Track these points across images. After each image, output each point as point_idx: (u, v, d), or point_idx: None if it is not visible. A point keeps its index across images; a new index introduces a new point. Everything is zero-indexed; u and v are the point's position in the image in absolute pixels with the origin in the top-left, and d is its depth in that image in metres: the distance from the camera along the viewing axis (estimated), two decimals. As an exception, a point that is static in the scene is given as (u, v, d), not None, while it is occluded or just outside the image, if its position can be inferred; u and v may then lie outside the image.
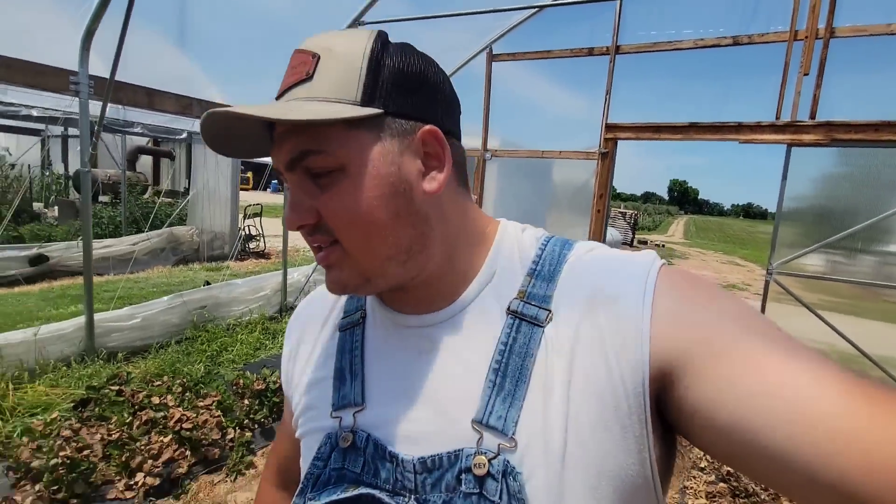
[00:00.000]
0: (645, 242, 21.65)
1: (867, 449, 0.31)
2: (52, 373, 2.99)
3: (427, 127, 0.44)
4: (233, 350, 3.89)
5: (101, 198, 8.41)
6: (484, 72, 5.25)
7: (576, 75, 4.87)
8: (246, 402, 2.84)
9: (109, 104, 3.14)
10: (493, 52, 5.21)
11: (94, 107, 3.16)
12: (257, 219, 8.97)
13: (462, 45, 5.16)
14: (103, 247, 6.42)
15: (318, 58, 0.43)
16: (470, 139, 5.32)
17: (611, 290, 0.43)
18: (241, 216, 8.50)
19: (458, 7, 4.11)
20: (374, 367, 0.51)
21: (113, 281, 5.86)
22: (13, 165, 10.31)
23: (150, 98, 3.50)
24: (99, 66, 3.10)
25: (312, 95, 0.42)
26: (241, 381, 2.97)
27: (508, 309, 0.46)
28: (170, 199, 9.47)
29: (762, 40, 3.97)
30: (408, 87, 0.44)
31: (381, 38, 0.45)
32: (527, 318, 0.45)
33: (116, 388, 2.72)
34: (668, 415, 0.40)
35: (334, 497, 0.45)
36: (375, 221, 0.43)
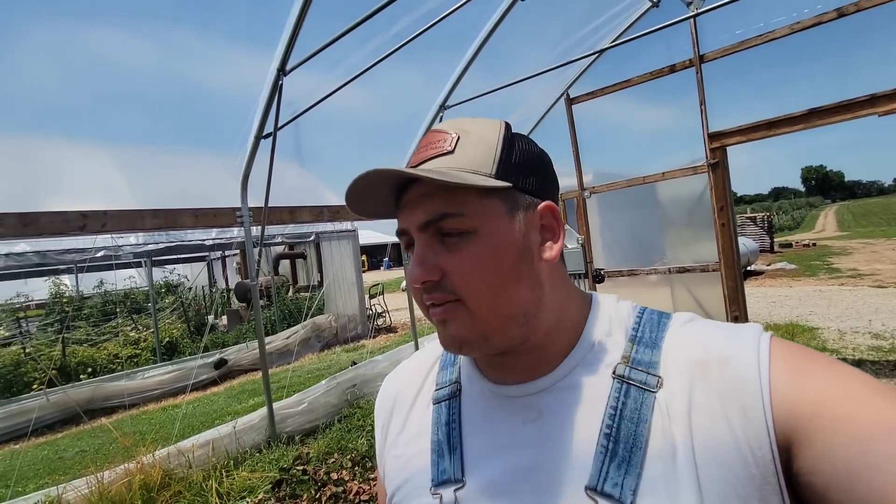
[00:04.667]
0: (789, 245, 18.82)
1: None
2: (250, 459, 3.50)
3: (547, 203, 0.49)
4: (385, 422, 4.17)
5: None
6: (565, 115, 5.38)
7: (662, 93, 4.76)
8: (409, 470, 3.02)
9: (252, 226, 3.86)
10: (571, 96, 5.35)
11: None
12: (381, 297, 9.73)
13: (541, 97, 5.40)
14: (266, 344, 7.46)
15: (459, 137, 0.48)
16: (563, 179, 5.38)
17: (722, 353, 0.42)
18: (367, 297, 9.32)
19: (525, 67, 4.38)
20: (474, 440, 0.50)
21: (276, 373, 6.73)
22: (191, 288, 12.68)
23: (291, 214, 4.21)
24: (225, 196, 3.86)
25: (454, 166, 0.46)
26: (401, 450, 3.17)
27: (614, 373, 0.46)
28: (307, 294, 10.75)
29: (872, 4, 3.57)
30: (532, 168, 0.49)
31: (508, 126, 0.50)
32: (635, 383, 0.44)
33: (301, 467, 3.09)
34: (798, 489, 0.38)
35: None
36: (501, 283, 0.45)
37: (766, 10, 4.00)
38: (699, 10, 2.85)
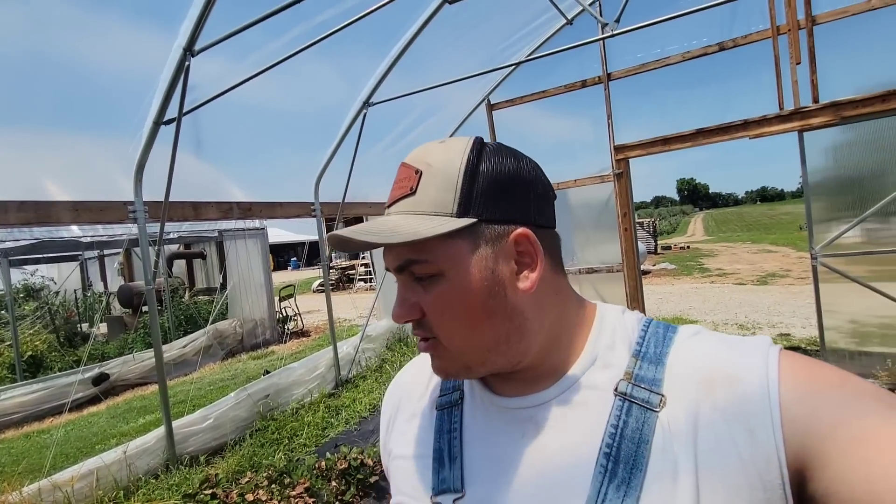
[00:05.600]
0: (669, 248, 21.33)
1: None
2: (145, 487, 3.08)
3: (519, 230, 0.46)
4: (302, 434, 3.94)
5: (145, 308, 8.80)
6: (486, 120, 5.53)
7: (574, 105, 5.10)
8: (333, 483, 2.87)
9: (147, 223, 3.41)
10: (492, 102, 5.51)
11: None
12: (292, 299, 9.21)
13: (462, 100, 5.48)
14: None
15: (421, 174, 0.46)
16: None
17: (729, 372, 0.41)
18: (277, 300, 8.76)
19: (448, 71, 4.42)
20: (474, 450, 0.50)
21: (173, 386, 6.04)
22: (57, 293, 10.92)
23: (196, 210, 3.79)
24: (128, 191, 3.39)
25: (415, 210, 0.46)
26: (325, 463, 3.01)
27: (616, 390, 0.45)
28: (207, 297, 9.82)
29: (746, 41, 4.15)
30: (501, 193, 0.46)
31: (477, 145, 0.47)
32: (637, 402, 0.43)
33: (210, 491, 2.79)
34: None
35: None
36: (473, 321, 0.46)
37: (663, 39, 4.46)
38: (614, 32, 3.08)
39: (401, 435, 0.58)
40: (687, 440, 0.40)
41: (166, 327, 7.90)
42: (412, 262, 0.46)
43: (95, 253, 12.32)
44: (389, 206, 0.49)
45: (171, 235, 7.96)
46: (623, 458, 0.41)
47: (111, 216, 3.24)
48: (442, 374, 0.50)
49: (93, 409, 5.67)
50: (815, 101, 3.84)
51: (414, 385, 0.61)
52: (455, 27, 4.36)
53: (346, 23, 3.00)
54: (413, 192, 0.47)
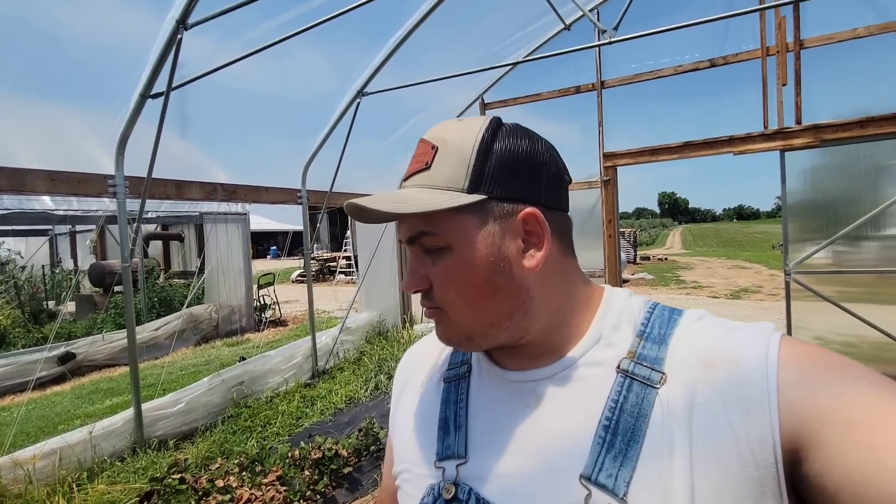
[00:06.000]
0: (647, 258, 21.74)
1: None
2: (110, 469, 2.99)
3: (527, 209, 0.47)
4: (276, 422, 3.89)
5: (117, 287, 8.54)
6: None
7: (567, 111, 5.15)
8: (306, 473, 2.84)
9: (127, 199, 3.31)
10: (486, 101, 5.52)
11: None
12: (271, 287, 9.07)
13: (456, 98, 5.48)
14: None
15: (437, 150, 0.48)
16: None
17: (729, 353, 0.42)
18: (255, 287, 8.62)
19: (444, 66, 4.42)
20: (479, 419, 0.52)
21: (143, 369, 5.88)
22: (24, 267, 10.52)
23: (178, 189, 3.70)
24: (108, 166, 3.29)
25: (429, 184, 0.48)
26: (298, 452, 2.98)
27: (619, 367, 0.46)
28: (183, 280, 9.60)
29: (737, 59, 4.26)
30: (512, 172, 0.47)
31: (493, 125, 0.49)
32: (638, 378, 0.44)
33: (178, 476, 2.73)
34: (806, 493, 0.37)
35: None
36: (477, 295, 0.47)
37: (657, 52, 4.54)
38: (612, 40, 3.12)
39: (409, 404, 0.60)
40: (684, 417, 0.41)
41: (139, 309, 7.70)
42: (423, 233, 0.48)
43: (67, 228, 11.92)
44: (406, 180, 0.51)
45: (150, 215, 7.75)
46: (621, 431, 0.42)
47: (89, 189, 3.14)
48: (444, 340, 0.52)
49: (57, 388, 5.48)
50: (798, 122, 3.97)
51: (425, 358, 0.63)
52: (453, 23, 4.36)
53: (342, 10, 2.97)
54: (428, 167, 0.48)
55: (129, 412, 3.36)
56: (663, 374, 0.44)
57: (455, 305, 0.49)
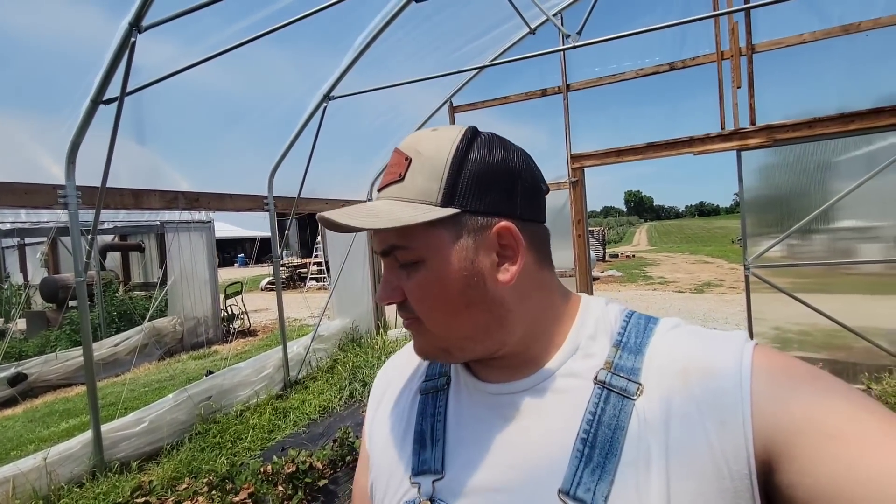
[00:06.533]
0: (616, 255, 22.30)
1: None
2: (67, 497, 2.82)
3: (502, 223, 0.46)
4: (247, 437, 3.76)
5: (72, 303, 8.11)
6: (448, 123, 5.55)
7: (535, 114, 5.22)
8: (280, 488, 2.76)
9: (80, 209, 3.14)
10: (454, 105, 5.54)
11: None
12: (239, 296, 8.81)
13: (424, 101, 5.47)
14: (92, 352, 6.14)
15: (410, 161, 0.47)
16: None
17: (705, 364, 0.42)
18: (222, 297, 8.35)
19: (412, 69, 4.41)
20: (456, 433, 0.51)
21: (102, 387, 5.60)
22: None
23: (136, 199, 3.53)
24: (59, 175, 3.11)
25: (402, 196, 0.47)
26: (271, 466, 2.89)
27: (596, 379, 0.46)
28: (145, 292, 9.21)
29: (694, 63, 4.42)
30: (487, 185, 0.46)
31: (468, 135, 0.48)
32: (615, 390, 0.44)
33: (143, 499, 2.60)
34: (778, 500, 0.38)
35: None
36: (452, 309, 0.47)
37: (620, 55, 4.67)
38: (576, 44, 3.18)
39: (386, 415, 0.59)
40: (660, 428, 0.41)
41: (97, 324, 7.32)
42: (395, 247, 0.48)
43: (15, 241, 11.25)
44: (380, 191, 0.50)
45: (106, 225, 7.39)
46: (599, 444, 0.42)
47: (38, 200, 2.96)
48: (422, 354, 0.52)
49: (7, 412, 5.15)
50: (753, 123, 4.15)
51: (403, 369, 0.63)
52: (420, 27, 4.35)
53: (308, 12, 2.91)
54: (401, 179, 0.48)
55: (88, 434, 3.18)
56: (640, 385, 0.44)
57: (430, 319, 0.48)
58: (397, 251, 0.48)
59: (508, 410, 0.49)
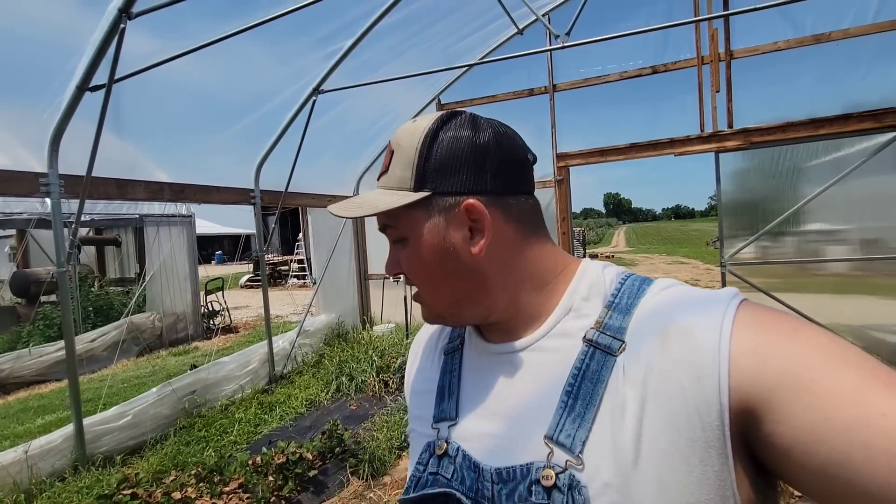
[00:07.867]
0: (595, 256, 22.69)
1: None
2: (49, 490, 2.77)
3: (468, 201, 0.51)
4: (233, 431, 3.74)
5: (44, 297, 7.86)
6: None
7: (522, 112, 5.31)
8: (270, 478, 2.76)
9: (67, 198, 3.07)
10: (442, 102, 5.59)
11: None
12: (219, 293, 8.67)
13: (413, 98, 5.50)
14: (58, 349, 5.97)
15: (393, 153, 0.55)
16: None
17: (686, 322, 0.44)
18: (203, 293, 8.21)
19: (400, 66, 4.44)
20: (468, 387, 0.59)
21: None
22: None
23: (120, 189, 3.47)
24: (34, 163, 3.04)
25: (387, 185, 0.55)
26: (261, 457, 2.89)
27: (584, 337, 0.49)
28: (121, 288, 8.99)
29: (676, 67, 4.57)
30: (453, 167, 0.51)
31: (437, 123, 0.53)
32: (601, 347, 0.48)
33: (130, 491, 2.58)
34: (759, 453, 0.39)
35: (426, 491, 0.54)
36: (432, 279, 0.55)
37: (604, 58, 4.79)
38: (564, 45, 3.26)
39: (415, 377, 0.69)
40: (637, 381, 0.44)
41: (73, 319, 7.11)
42: (387, 226, 0.56)
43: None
44: (379, 178, 0.58)
45: (83, 219, 7.16)
46: (581, 396, 0.47)
47: (18, 188, 2.89)
48: (426, 320, 0.60)
49: (-23, 409, 4.98)
50: (730, 126, 4.32)
51: (430, 336, 0.71)
52: (410, 23, 4.38)
53: (295, 7, 2.91)
54: (387, 170, 0.55)
55: (69, 428, 3.12)
56: (623, 342, 0.47)
57: (421, 288, 0.57)
58: (388, 230, 0.56)
59: (507, 367, 0.55)
